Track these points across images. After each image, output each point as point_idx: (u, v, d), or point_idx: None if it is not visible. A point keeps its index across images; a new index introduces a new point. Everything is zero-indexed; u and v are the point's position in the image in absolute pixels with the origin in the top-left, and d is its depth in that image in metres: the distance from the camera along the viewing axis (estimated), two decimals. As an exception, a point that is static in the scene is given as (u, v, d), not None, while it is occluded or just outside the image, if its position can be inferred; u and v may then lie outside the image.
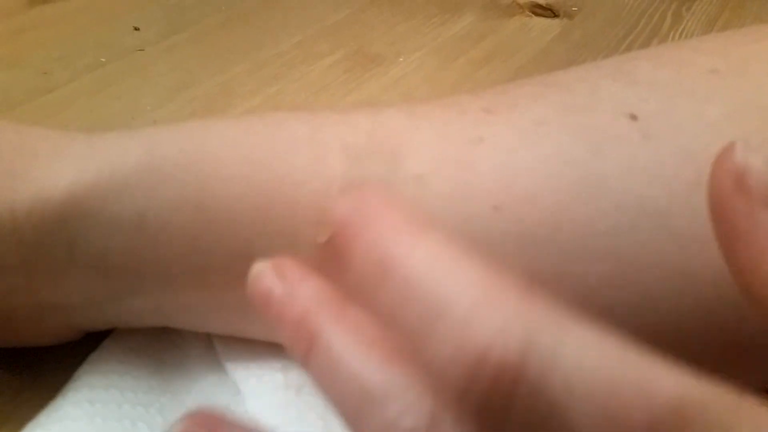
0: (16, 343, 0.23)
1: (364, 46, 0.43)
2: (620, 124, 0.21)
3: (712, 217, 0.15)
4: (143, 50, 0.41)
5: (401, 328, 0.12)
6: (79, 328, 0.23)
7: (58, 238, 0.19)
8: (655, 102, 0.21)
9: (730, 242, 0.15)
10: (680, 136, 0.20)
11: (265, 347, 0.23)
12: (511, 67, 0.41)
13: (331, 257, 0.13)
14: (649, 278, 0.20)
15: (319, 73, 0.40)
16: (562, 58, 0.42)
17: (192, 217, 0.20)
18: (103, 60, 0.40)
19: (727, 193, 0.14)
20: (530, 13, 0.46)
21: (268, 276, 0.14)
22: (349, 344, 0.13)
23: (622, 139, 0.20)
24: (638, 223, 0.20)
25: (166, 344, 0.24)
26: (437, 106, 0.23)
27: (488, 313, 0.11)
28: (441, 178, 0.20)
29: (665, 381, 0.11)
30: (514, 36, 0.45)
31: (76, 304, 0.21)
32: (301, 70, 0.40)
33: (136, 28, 0.43)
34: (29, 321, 0.22)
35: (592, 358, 0.11)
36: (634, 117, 0.21)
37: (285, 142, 0.21)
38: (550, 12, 0.46)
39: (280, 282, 0.14)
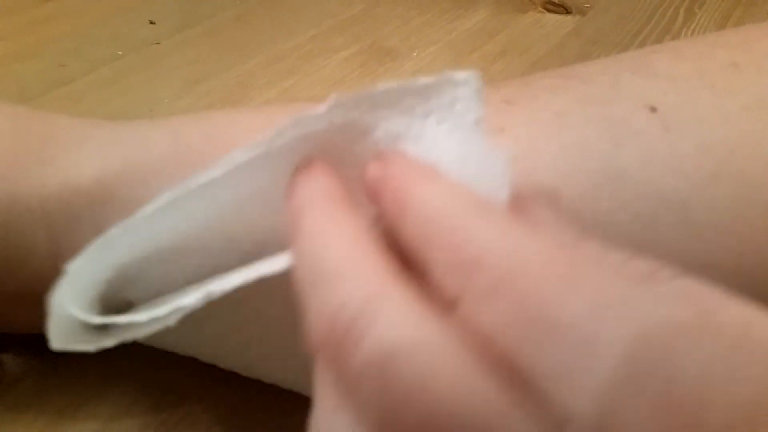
0: (42, 328, 0.23)
1: (379, 41, 0.43)
2: (640, 116, 0.21)
3: None
4: (159, 43, 0.41)
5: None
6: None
7: (86, 223, 0.20)
8: (674, 95, 0.21)
9: None
10: (700, 128, 0.21)
11: None
12: (525, 62, 0.41)
13: None
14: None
15: (334, 67, 0.40)
16: (575, 53, 0.42)
17: None
18: (119, 53, 0.40)
19: None
20: (543, 10, 0.47)
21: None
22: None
23: (643, 131, 0.20)
24: (658, 214, 0.20)
25: None
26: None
27: None
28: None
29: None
30: (527, 32, 0.45)
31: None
32: (317, 63, 0.41)
33: (152, 22, 0.43)
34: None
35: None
36: (654, 109, 0.21)
37: None
38: (562, 8, 0.46)
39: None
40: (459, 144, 0.17)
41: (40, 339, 0.24)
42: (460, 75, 0.17)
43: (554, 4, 0.47)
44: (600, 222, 0.20)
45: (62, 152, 0.20)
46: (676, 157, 0.20)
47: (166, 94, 0.37)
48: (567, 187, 0.20)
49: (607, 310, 0.11)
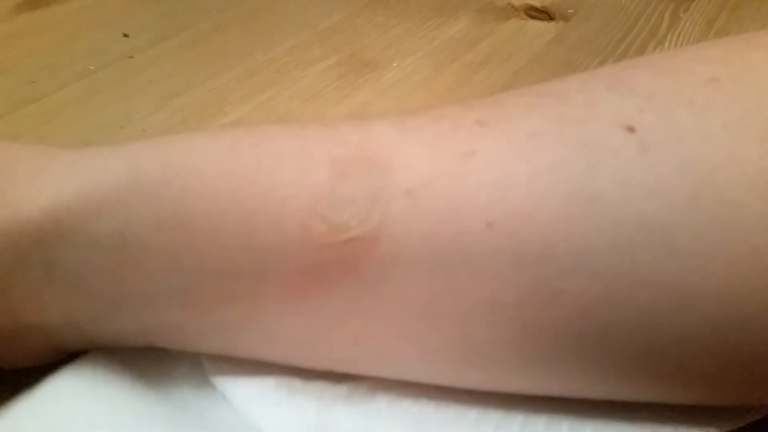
0: (3, 364, 0.23)
1: (358, 51, 0.42)
2: (617, 136, 0.20)
3: None
4: (132, 57, 0.40)
5: None
6: (61, 349, 0.22)
7: (35, 258, 0.19)
8: (653, 113, 0.20)
9: None
10: (679, 148, 0.20)
11: (255, 365, 0.23)
12: (508, 71, 0.41)
13: None
14: (647, 295, 0.19)
15: (312, 78, 0.39)
16: (558, 61, 0.42)
17: (173, 235, 0.19)
18: (92, 68, 0.39)
19: None
20: (526, 16, 0.46)
21: None
22: None
23: (619, 152, 0.20)
24: (637, 239, 0.19)
25: (147, 362, 0.23)
26: (428, 119, 0.22)
27: None
28: (432, 194, 0.20)
29: None
30: (509, 39, 0.44)
31: (56, 324, 0.21)
32: (294, 76, 0.40)
33: (126, 35, 0.42)
34: (10, 342, 0.21)
35: None
36: (631, 129, 0.20)
37: (271, 156, 0.20)
38: (545, 15, 0.46)
39: None
40: None
41: (7, 372, 0.23)
42: None
43: (537, 10, 0.46)
44: (575, 247, 0.19)
45: (11, 185, 0.19)
46: (654, 179, 0.19)
47: (139, 110, 0.36)
48: (541, 212, 0.19)
49: None
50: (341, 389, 0.22)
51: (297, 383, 0.22)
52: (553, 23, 0.46)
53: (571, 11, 0.47)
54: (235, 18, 0.45)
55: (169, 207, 0.19)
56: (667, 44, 0.44)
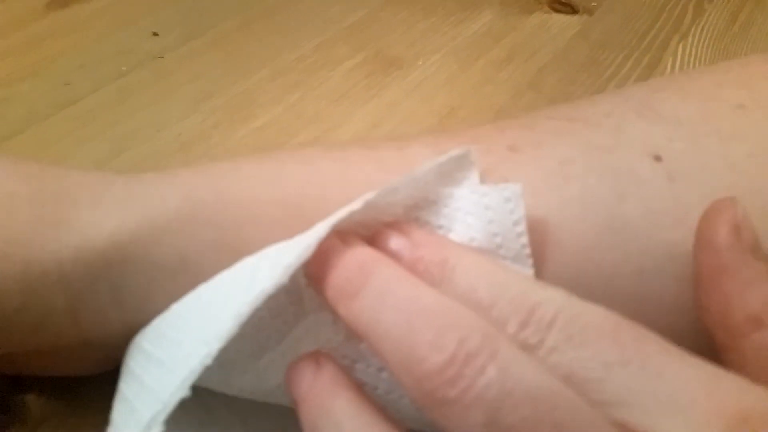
0: (60, 373, 0.24)
1: (384, 49, 0.43)
2: (645, 165, 0.21)
3: (699, 250, 0.19)
4: (163, 57, 0.41)
5: None
6: (120, 360, 0.24)
7: (103, 283, 0.20)
8: (680, 141, 0.21)
9: (713, 275, 0.18)
10: (704, 176, 0.21)
11: None
12: (532, 68, 0.41)
13: None
14: (672, 319, 0.20)
15: (339, 78, 0.40)
16: (583, 57, 0.42)
17: (230, 259, 0.21)
18: (124, 68, 0.40)
19: (722, 234, 0.18)
20: (549, 9, 0.46)
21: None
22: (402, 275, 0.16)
23: (647, 182, 0.21)
24: (664, 266, 0.20)
25: None
26: (462, 142, 0.23)
27: None
28: None
29: None
30: (533, 34, 0.44)
31: (120, 341, 0.22)
32: (322, 75, 0.40)
33: (155, 33, 0.43)
34: (74, 355, 0.23)
35: None
36: (658, 158, 0.21)
37: (316, 184, 0.21)
38: (569, 8, 0.46)
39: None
40: (474, 216, 0.18)
41: (62, 380, 0.25)
42: (457, 151, 0.20)
43: (561, 3, 0.46)
44: (604, 274, 0.20)
45: (77, 213, 0.20)
46: (681, 208, 0.20)
47: (172, 114, 0.37)
48: (571, 240, 0.20)
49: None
50: None
51: None
52: (576, 17, 0.46)
53: (595, 4, 0.47)
54: (260, 14, 0.46)
55: (225, 233, 0.21)
56: (690, 38, 0.44)
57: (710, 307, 0.18)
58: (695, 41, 0.43)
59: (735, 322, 0.17)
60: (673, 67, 0.41)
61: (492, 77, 0.41)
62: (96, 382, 0.24)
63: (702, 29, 0.44)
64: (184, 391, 0.16)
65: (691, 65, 0.42)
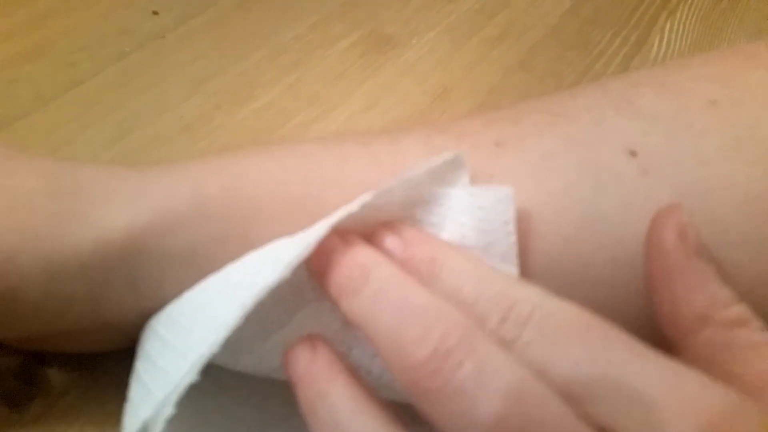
0: (78, 350, 0.26)
1: (378, 27, 0.43)
2: (621, 160, 0.22)
3: (649, 254, 0.20)
4: (164, 37, 0.42)
5: None
6: (135, 337, 0.26)
7: (119, 272, 0.22)
8: (655, 136, 0.23)
9: (663, 278, 0.20)
10: (676, 171, 0.22)
11: None
12: (524, 47, 0.42)
13: None
14: (642, 303, 0.22)
15: (335, 58, 0.41)
16: (573, 35, 0.43)
17: (237, 250, 0.22)
18: (126, 50, 0.41)
19: (669, 238, 0.20)
20: (542, -15, 0.47)
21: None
22: (396, 275, 0.18)
23: (622, 176, 0.22)
24: (636, 255, 0.22)
25: None
26: (451, 137, 0.24)
27: None
28: None
29: None
30: (525, 11, 0.45)
31: (136, 322, 0.24)
32: (318, 54, 0.41)
33: (155, 12, 0.44)
34: (93, 335, 0.25)
35: None
36: (634, 153, 0.22)
37: (316, 181, 0.23)
38: (561, -17, 0.46)
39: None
40: (467, 216, 0.20)
41: (81, 356, 0.26)
42: (449, 154, 0.21)
43: (553, -22, 0.47)
44: (581, 262, 0.22)
45: (92, 207, 0.22)
46: (653, 201, 0.22)
47: (174, 95, 0.38)
48: (551, 231, 0.22)
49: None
50: None
51: None
52: (568, -8, 0.46)
53: (587, -21, 0.47)
54: (257, -9, 0.47)
55: (232, 226, 0.22)
56: (678, 14, 0.45)
57: (661, 308, 0.19)
58: (683, 17, 0.44)
59: (684, 321, 0.18)
60: (660, 44, 0.43)
61: (484, 56, 0.42)
62: (113, 357, 0.26)
63: (690, 5, 0.45)
64: (193, 375, 0.18)
65: (679, 42, 0.43)
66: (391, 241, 0.20)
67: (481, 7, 0.45)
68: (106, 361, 0.26)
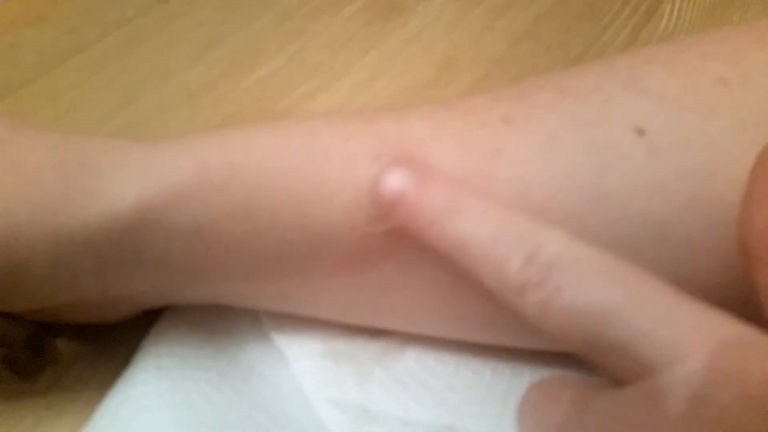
0: (86, 321, 0.26)
1: (384, -8, 0.43)
2: (628, 139, 0.22)
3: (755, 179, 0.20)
4: (167, 2, 0.42)
5: None
6: (141, 308, 0.26)
7: (126, 246, 0.22)
8: (663, 115, 0.23)
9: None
10: (683, 152, 0.22)
11: (307, 321, 0.26)
12: (530, 17, 0.41)
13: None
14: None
15: (340, 26, 0.41)
16: (581, 5, 0.42)
17: (241, 224, 0.23)
18: (129, 15, 0.41)
19: None
20: (551, -49, 0.46)
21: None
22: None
23: (629, 156, 0.22)
24: (639, 234, 0.22)
25: (217, 317, 0.27)
26: (458, 113, 0.24)
27: None
28: None
29: None
30: (533, -21, 0.44)
31: (142, 294, 0.24)
32: (323, 22, 0.41)
33: (158, -24, 0.43)
34: (99, 306, 0.25)
35: None
36: (641, 132, 0.22)
37: (319, 154, 0.23)
38: (571, -50, 0.46)
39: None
40: None
41: (89, 327, 0.27)
42: None
43: (562, -55, 0.46)
44: (584, 239, 0.22)
45: (99, 181, 0.22)
46: (658, 182, 0.22)
47: (179, 63, 0.38)
48: (556, 209, 0.22)
49: None
50: (378, 346, 0.26)
51: (341, 345, 0.26)
52: (577, -41, 0.45)
53: (597, -55, 0.47)
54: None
55: (236, 200, 0.22)
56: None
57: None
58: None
59: None
60: (670, 14, 0.42)
61: (491, 25, 0.41)
62: (120, 328, 0.26)
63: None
64: None
65: (690, 12, 0.42)
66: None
67: (489, -26, 0.45)
68: (114, 331, 0.27)
